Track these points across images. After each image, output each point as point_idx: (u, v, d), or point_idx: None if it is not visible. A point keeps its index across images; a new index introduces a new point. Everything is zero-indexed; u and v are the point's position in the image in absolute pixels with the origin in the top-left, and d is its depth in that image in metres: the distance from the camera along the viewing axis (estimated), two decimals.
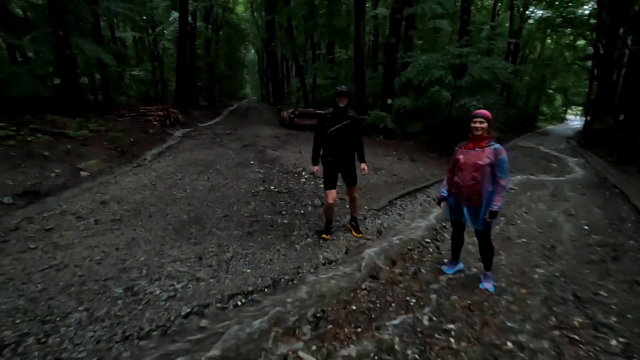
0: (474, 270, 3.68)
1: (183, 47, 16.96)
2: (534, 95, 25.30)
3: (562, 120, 34.38)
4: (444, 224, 5.06)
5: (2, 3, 9.97)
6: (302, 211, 5.08)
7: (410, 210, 5.82)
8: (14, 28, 10.62)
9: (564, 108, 34.46)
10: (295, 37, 17.34)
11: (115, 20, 16.19)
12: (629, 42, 14.84)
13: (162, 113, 13.19)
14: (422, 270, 3.67)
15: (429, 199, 6.56)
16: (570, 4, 19.86)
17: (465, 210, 3.22)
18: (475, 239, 3.42)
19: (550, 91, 27.67)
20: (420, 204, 6.22)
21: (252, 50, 41.86)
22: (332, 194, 4.10)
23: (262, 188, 5.77)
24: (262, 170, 6.84)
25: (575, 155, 13.88)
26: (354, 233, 4.47)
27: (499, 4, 20.94)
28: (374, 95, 14.54)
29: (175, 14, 19.30)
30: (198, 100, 24.64)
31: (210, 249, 3.72)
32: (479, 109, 10.02)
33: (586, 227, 5.25)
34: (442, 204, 3.52)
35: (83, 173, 6.20)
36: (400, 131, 12.39)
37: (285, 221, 4.67)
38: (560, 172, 10.40)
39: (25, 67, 9.66)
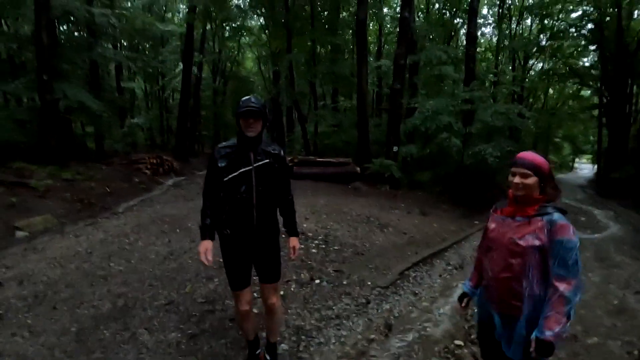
0: None
1: (186, 97, 16.43)
2: (540, 143, 24.22)
3: (571, 168, 32.91)
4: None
5: None
6: (282, 293, 3.59)
7: (428, 286, 4.30)
8: (2, 73, 9.99)
9: (572, 156, 33.13)
10: (297, 85, 16.78)
11: (115, 68, 15.84)
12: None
13: (154, 161, 12.14)
14: None
15: (449, 267, 5.04)
16: (572, 56, 19.38)
17: (496, 319, 1.75)
18: None
19: (558, 139, 26.57)
20: (440, 275, 4.70)
21: None
22: (244, 297, 2.20)
23: None
24: None
25: (599, 206, 12.33)
26: None
27: (501, 57, 20.57)
28: (378, 143, 13.46)
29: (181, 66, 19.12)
30: (203, 149, 24.03)
31: None
32: (496, 156, 8.32)
33: None
34: (466, 302, 2.02)
35: (19, 233, 4.87)
36: (407, 180, 11.08)
37: (256, 310, 3.17)
38: (593, 227, 8.83)
39: (4, 112, 8.79)
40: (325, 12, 15.61)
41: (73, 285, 3.26)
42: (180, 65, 20.28)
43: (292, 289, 3.73)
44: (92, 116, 10.32)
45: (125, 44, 19.21)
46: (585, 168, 33.70)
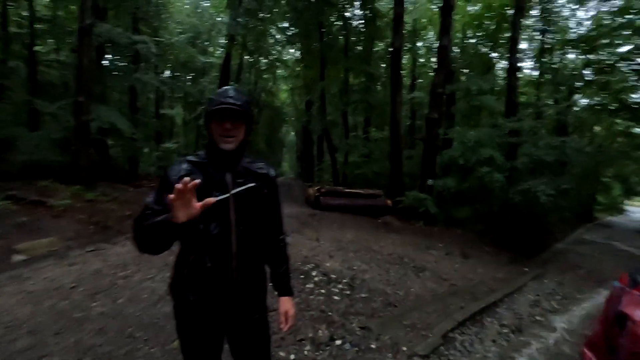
0: None
1: None
2: (588, 183, 22.10)
3: (622, 211, 29.73)
4: None
5: (37, 74, 9.82)
6: (293, 357, 2.76)
7: (481, 357, 3.30)
8: (48, 95, 10.28)
9: (622, 198, 30.03)
10: (329, 113, 16.41)
11: (156, 95, 16.28)
12: None
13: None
14: None
15: (504, 329, 3.99)
16: (622, 90, 17.82)
17: None
18: None
19: (607, 179, 24.15)
20: (493, 341, 3.68)
21: (292, 133, 42.88)
22: None
23: None
24: None
25: None
26: None
27: (541, 91, 19.33)
28: (410, 175, 12.55)
29: None
30: None
31: None
32: (550, 194, 7.09)
33: None
34: None
35: (17, 257, 4.40)
36: (443, 216, 10.00)
37: None
38: None
39: (39, 133, 8.87)
40: (360, 40, 15.42)
41: (37, 331, 2.62)
42: None
43: (305, 351, 2.89)
44: (123, 138, 10.30)
45: (168, 73, 20.00)
46: (637, 211, 30.44)
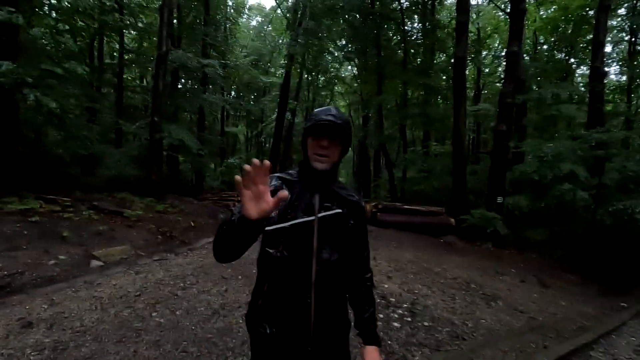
0: None
1: (277, 141, 17.03)
2: None
3: None
4: None
5: (123, 98, 11.04)
6: None
7: None
8: (131, 116, 11.45)
9: None
10: (386, 128, 16.04)
11: (221, 114, 17.31)
12: None
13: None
14: None
15: None
16: None
17: None
18: None
19: None
20: None
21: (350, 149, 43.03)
22: None
23: None
24: None
25: None
26: None
27: (633, 98, 16.95)
28: (474, 192, 11.60)
29: None
30: None
31: None
32: None
33: None
34: None
35: (94, 263, 4.75)
36: (514, 238, 9.00)
37: None
38: None
39: (120, 150, 9.87)
40: (419, 52, 14.98)
41: (100, 338, 2.69)
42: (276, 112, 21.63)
43: None
44: (190, 154, 11.05)
45: (233, 93, 21.34)
46: None
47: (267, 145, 27.26)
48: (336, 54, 18.37)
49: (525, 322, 4.37)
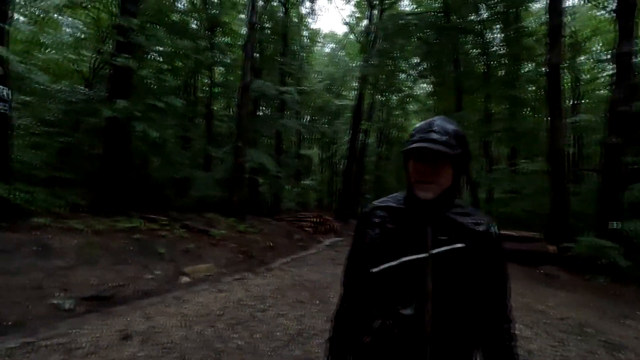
0: None
1: (351, 161, 17.07)
2: None
3: None
4: None
5: (212, 127, 12.18)
6: None
7: None
8: (219, 143, 12.53)
9: None
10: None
11: (297, 137, 17.99)
12: None
13: (316, 220, 12.44)
14: None
15: None
16: None
17: None
18: None
19: None
20: None
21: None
22: None
23: None
24: None
25: None
26: None
27: None
28: (576, 215, 9.90)
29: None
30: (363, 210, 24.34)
31: None
32: None
33: None
34: None
35: (184, 279, 5.10)
36: (637, 272, 7.39)
37: None
38: None
39: (208, 173, 10.79)
40: (502, 63, 13.82)
41: (184, 356, 2.77)
42: (350, 134, 21.81)
43: None
44: (269, 176, 11.60)
45: (307, 117, 22.20)
46: None
47: (340, 166, 27.55)
48: (410, 73, 17.97)
49: None
